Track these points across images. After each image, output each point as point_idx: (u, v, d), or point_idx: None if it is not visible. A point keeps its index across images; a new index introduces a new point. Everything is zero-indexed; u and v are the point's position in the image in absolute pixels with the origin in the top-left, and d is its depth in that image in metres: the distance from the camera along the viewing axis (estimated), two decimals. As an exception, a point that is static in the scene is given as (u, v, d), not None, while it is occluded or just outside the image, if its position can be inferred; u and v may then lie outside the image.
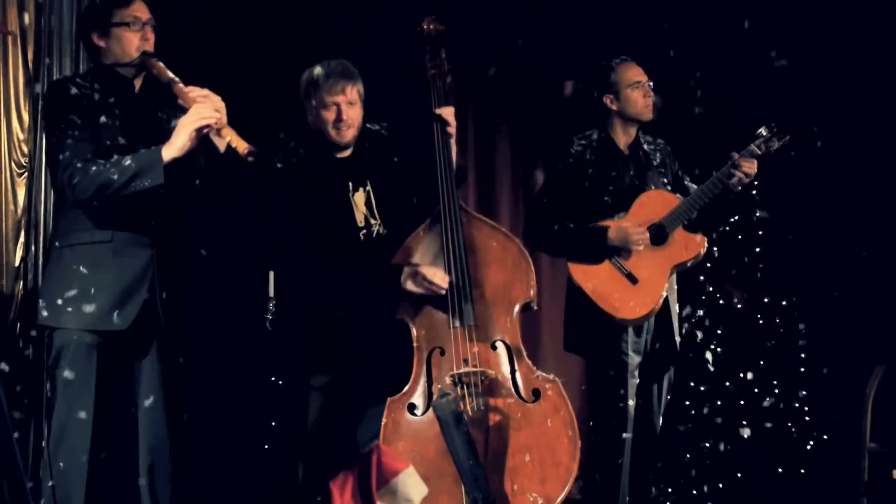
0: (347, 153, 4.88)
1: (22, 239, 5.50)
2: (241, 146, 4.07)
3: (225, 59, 5.98)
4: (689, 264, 5.28)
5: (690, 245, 5.23)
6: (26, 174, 5.50)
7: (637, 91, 5.33)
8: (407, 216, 4.87)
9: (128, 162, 4.09)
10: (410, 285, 4.67)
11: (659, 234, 5.20)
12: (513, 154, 7.15)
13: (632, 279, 5.15)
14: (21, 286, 5.46)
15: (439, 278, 4.62)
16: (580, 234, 5.22)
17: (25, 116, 5.47)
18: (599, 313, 5.17)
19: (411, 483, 4.36)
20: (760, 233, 6.65)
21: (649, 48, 6.21)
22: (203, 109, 4.12)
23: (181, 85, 4.24)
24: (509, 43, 6.90)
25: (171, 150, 4.12)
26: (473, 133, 7.07)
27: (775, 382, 6.62)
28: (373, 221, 4.84)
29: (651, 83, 5.35)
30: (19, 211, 5.47)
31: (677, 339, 5.37)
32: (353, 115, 4.78)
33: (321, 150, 4.84)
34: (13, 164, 5.47)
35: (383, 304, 4.72)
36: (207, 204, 4.48)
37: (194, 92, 4.20)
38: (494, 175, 7.11)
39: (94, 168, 4.11)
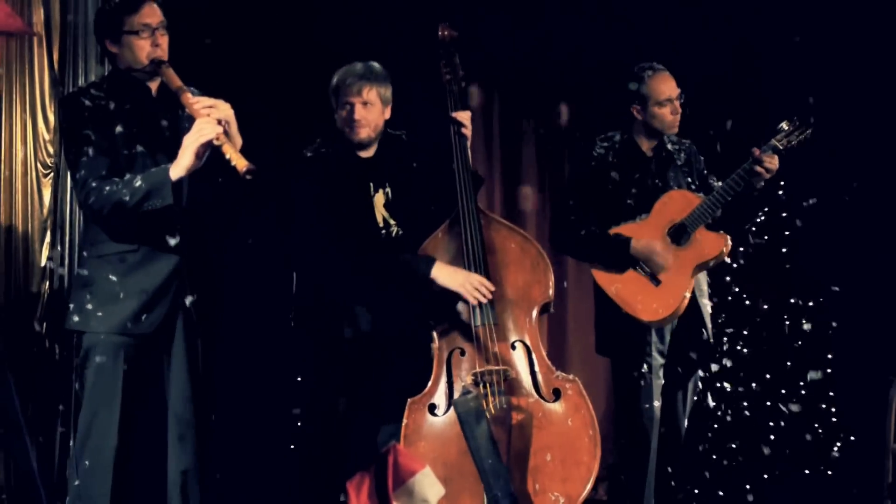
0: (370, 153, 4.90)
1: (48, 239, 5.54)
2: (241, 164, 4.00)
3: (255, 66, 6.03)
4: (711, 264, 5.23)
5: (713, 244, 5.17)
6: (52, 174, 5.54)
7: (665, 108, 5.27)
8: (424, 220, 4.90)
9: (138, 183, 4.08)
10: (450, 281, 4.67)
11: (681, 234, 5.18)
12: (538, 155, 7.13)
13: (654, 280, 5.13)
14: (47, 286, 5.50)
15: (487, 286, 4.65)
16: (604, 243, 5.21)
17: (51, 117, 5.50)
18: (624, 315, 5.16)
19: (428, 483, 4.36)
20: (787, 233, 6.61)
21: (679, 44, 6.21)
22: (204, 125, 4.08)
23: (188, 95, 4.21)
24: (535, 43, 6.88)
25: (178, 169, 4.09)
26: (499, 134, 7.06)
27: (802, 384, 6.59)
28: (391, 223, 4.86)
29: (682, 97, 5.30)
30: (45, 211, 5.51)
31: (709, 338, 5.34)
32: (368, 115, 4.80)
33: (345, 149, 4.87)
34: (39, 165, 5.51)
35: (402, 304, 4.74)
36: (226, 209, 4.48)
37: (200, 103, 4.17)
38: (520, 176, 7.09)
39: (107, 188, 4.10)
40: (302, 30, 6.19)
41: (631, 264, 5.16)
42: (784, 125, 5.18)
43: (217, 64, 5.54)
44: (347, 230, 4.74)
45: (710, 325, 5.37)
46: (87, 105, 4.25)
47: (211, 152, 4.12)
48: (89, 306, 4.23)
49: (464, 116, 4.82)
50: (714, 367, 6.26)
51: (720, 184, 5.21)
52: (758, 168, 5.10)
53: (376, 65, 4.88)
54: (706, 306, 5.35)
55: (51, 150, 5.51)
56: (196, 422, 4.38)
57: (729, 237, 5.18)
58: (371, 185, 4.87)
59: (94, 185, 4.12)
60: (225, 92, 4.30)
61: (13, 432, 5.05)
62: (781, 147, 5.14)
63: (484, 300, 4.64)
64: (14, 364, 5.25)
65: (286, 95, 6.10)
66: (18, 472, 5.18)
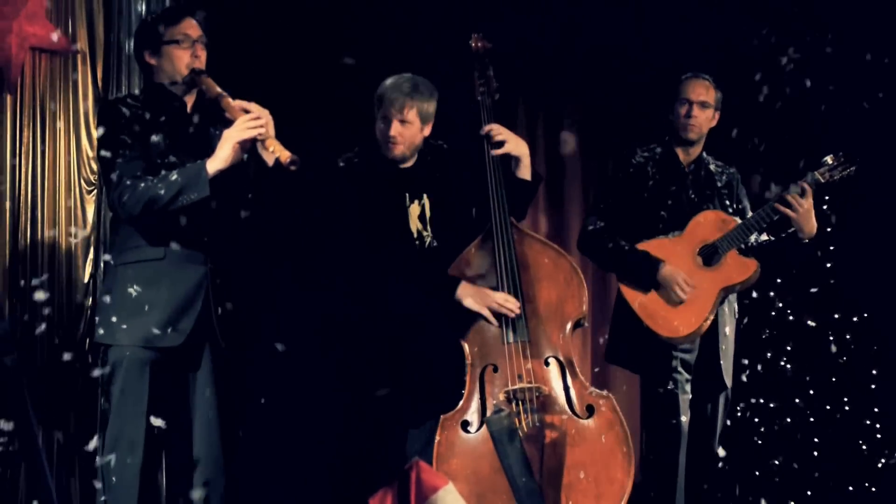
0: (409, 164, 4.92)
1: (91, 255, 5.60)
2: (284, 155, 4.06)
3: (289, 79, 6.05)
4: (738, 288, 5.23)
5: (741, 269, 5.16)
6: (95, 191, 5.60)
7: (682, 107, 5.28)
8: (460, 232, 4.90)
9: (174, 177, 4.12)
10: (472, 303, 4.69)
11: (712, 255, 5.16)
12: (583, 165, 7.12)
13: (679, 298, 5.14)
14: (90, 302, 5.55)
15: (512, 303, 4.65)
16: (633, 260, 5.19)
17: (94, 134, 5.50)
18: (646, 328, 5.14)
19: (450, 500, 4.34)
20: (832, 248, 6.56)
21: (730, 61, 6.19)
22: (248, 121, 4.14)
23: (229, 99, 4.26)
24: (583, 51, 6.88)
25: (216, 162, 4.14)
26: (543, 143, 7.05)
27: (846, 399, 6.54)
28: (425, 234, 4.87)
29: (704, 104, 5.28)
30: (88, 227, 5.57)
31: (723, 364, 5.29)
32: (405, 132, 4.81)
33: (383, 159, 4.88)
34: (82, 181, 5.57)
35: (435, 317, 4.75)
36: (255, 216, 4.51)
37: (242, 105, 4.23)
38: (564, 187, 7.08)
39: (142, 185, 4.14)
40: (337, 41, 6.18)
41: (655, 286, 5.15)
42: (829, 159, 5.15)
43: (251, 77, 5.57)
44: (380, 240, 4.75)
45: (728, 359, 5.34)
46: (125, 112, 4.30)
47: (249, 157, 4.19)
48: (114, 318, 4.24)
49: (498, 131, 4.81)
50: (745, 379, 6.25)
51: (754, 212, 5.20)
52: (780, 207, 5.06)
53: (422, 80, 4.87)
54: (727, 336, 5.33)
55: (94, 166, 5.56)
56: (222, 435, 4.39)
57: (758, 264, 5.16)
58: (407, 195, 4.88)
59: (128, 182, 4.16)
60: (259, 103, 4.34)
61: (30, 449, 5.08)
62: (823, 181, 5.10)
63: (511, 314, 4.64)
64: (58, 379, 5.32)
65: (319, 107, 6.11)
66: (35, 488, 5.20)
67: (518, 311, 4.65)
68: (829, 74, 6.28)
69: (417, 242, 4.86)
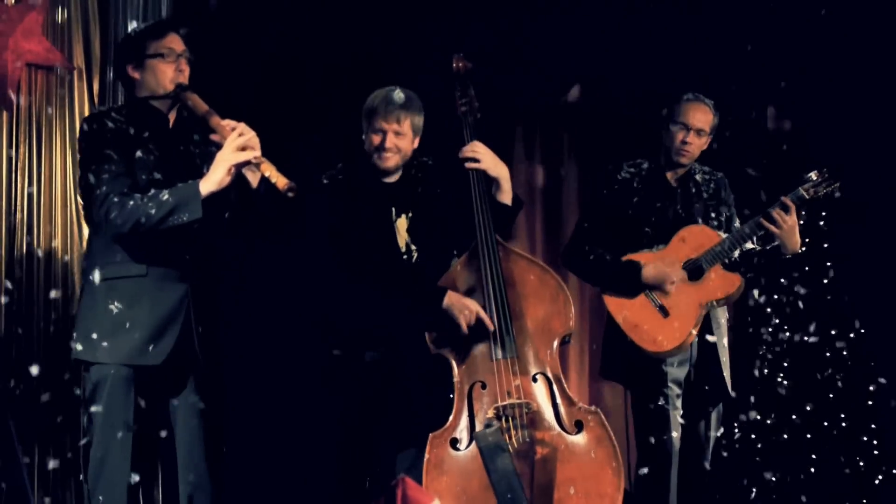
0: (394, 178, 4.92)
1: (87, 271, 5.62)
2: (281, 182, 4.05)
3: (273, 95, 6.08)
4: (721, 303, 5.25)
5: (725, 284, 5.18)
6: (90, 207, 5.61)
7: (679, 132, 5.27)
8: (445, 247, 4.92)
9: (165, 196, 4.11)
10: (456, 311, 4.67)
11: (695, 270, 5.17)
12: (580, 183, 7.12)
13: (664, 312, 5.13)
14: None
15: (480, 315, 4.65)
16: (615, 267, 5.21)
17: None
18: (633, 344, 5.16)
19: (437, 517, 4.37)
20: (829, 264, 6.56)
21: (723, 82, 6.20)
22: (241, 143, 4.12)
23: (217, 118, 4.24)
24: (578, 72, 6.89)
25: (209, 184, 4.12)
26: (541, 162, 7.06)
27: (843, 416, 6.53)
28: (413, 248, 4.87)
29: (701, 132, 5.28)
30: (84, 242, 5.58)
31: (725, 374, 5.30)
32: (400, 144, 4.81)
33: (369, 173, 4.88)
34: (78, 197, 5.57)
35: (422, 334, 4.74)
36: (239, 235, 4.50)
37: (230, 125, 4.21)
38: (561, 204, 7.08)
39: (131, 203, 4.12)
40: (322, 58, 6.21)
41: (640, 290, 5.16)
42: (813, 175, 5.16)
43: (232, 94, 5.60)
44: (367, 255, 4.75)
45: (727, 367, 5.33)
46: (110, 126, 4.29)
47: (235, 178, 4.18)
48: (94, 335, 4.22)
49: (473, 149, 4.80)
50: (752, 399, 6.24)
51: (737, 226, 5.21)
52: (765, 222, 5.07)
53: (412, 93, 4.87)
54: (724, 347, 5.33)
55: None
56: (207, 453, 4.37)
57: (742, 279, 5.17)
58: (393, 209, 4.88)
59: (115, 199, 4.13)
60: (244, 120, 4.33)
61: (12, 466, 5.09)
62: (808, 197, 5.11)
63: (490, 328, 4.64)
64: (54, 398, 5.34)
65: (303, 123, 6.12)
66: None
67: (492, 328, 4.65)
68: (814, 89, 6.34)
69: (405, 256, 4.86)
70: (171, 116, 4.45)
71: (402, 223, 4.88)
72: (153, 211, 4.10)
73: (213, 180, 4.13)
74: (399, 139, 4.81)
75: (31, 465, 5.30)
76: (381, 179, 4.89)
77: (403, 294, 4.74)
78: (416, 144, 4.91)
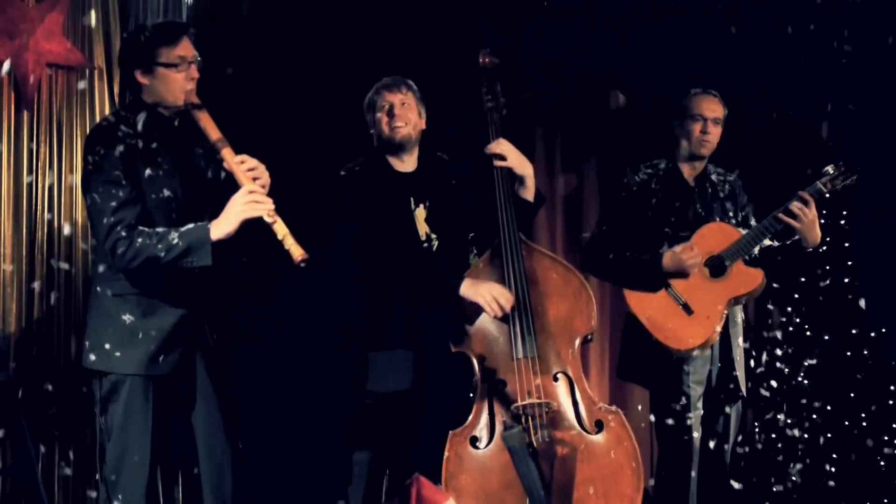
0: (410, 168, 4.94)
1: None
2: (296, 252, 3.99)
3: (290, 93, 6.05)
4: (744, 299, 5.26)
5: (748, 279, 5.18)
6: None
7: (697, 124, 5.29)
8: (462, 237, 4.96)
9: (175, 240, 4.04)
10: (472, 293, 4.64)
11: (718, 267, 5.16)
12: (600, 182, 7.11)
13: (687, 310, 5.12)
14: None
15: (505, 299, 4.61)
16: (634, 263, 5.20)
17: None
18: (656, 343, 5.14)
19: (451, 516, 4.37)
20: (850, 263, 6.53)
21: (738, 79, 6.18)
22: (254, 196, 4.06)
23: (229, 149, 4.15)
24: (599, 71, 6.88)
25: (218, 232, 4.07)
26: (560, 161, 7.04)
27: (863, 415, 6.50)
28: (433, 236, 4.88)
29: (717, 121, 5.29)
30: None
31: (738, 374, 5.29)
32: (408, 114, 4.85)
33: (384, 165, 4.90)
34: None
35: (444, 332, 4.75)
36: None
37: (244, 164, 4.14)
38: (581, 203, 7.06)
39: (139, 240, 4.05)
40: (339, 56, 6.19)
41: (662, 283, 5.16)
42: (830, 168, 5.16)
43: (250, 90, 5.61)
44: (387, 245, 4.75)
45: (741, 366, 5.33)
46: (118, 145, 4.15)
47: None
48: (107, 346, 4.16)
49: (499, 146, 4.80)
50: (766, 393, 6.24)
51: (758, 223, 5.20)
52: (784, 217, 5.07)
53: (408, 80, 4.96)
54: (738, 347, 5.32)
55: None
56: (225, 459, 4.34)
57: (764, 274, 5.16)
58: (412, 199, 4.90)
59: (123, 234, 4.05)
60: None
61: (23, 465, 5.10)
62: (826, 190, 5.12)
63: (500, 313, 4.61)
64: (71, 404, 5.35)
65: (321, 120, 6.08)
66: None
67: (509, 308, 4.62)
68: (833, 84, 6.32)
69: (426, 245, 4.88)
70: (176, 120, 4.34)
71: (420, 213, 4.89)
72: (162, 254, 4.05)
73: (224, 230, 4.08)
74: (406, 109, 4.86)
75: (44, 466, 5.33)
76: (396, 170, 4.91)
77: (424, 283, 4.74)
78: (422, 124, 4.95)
